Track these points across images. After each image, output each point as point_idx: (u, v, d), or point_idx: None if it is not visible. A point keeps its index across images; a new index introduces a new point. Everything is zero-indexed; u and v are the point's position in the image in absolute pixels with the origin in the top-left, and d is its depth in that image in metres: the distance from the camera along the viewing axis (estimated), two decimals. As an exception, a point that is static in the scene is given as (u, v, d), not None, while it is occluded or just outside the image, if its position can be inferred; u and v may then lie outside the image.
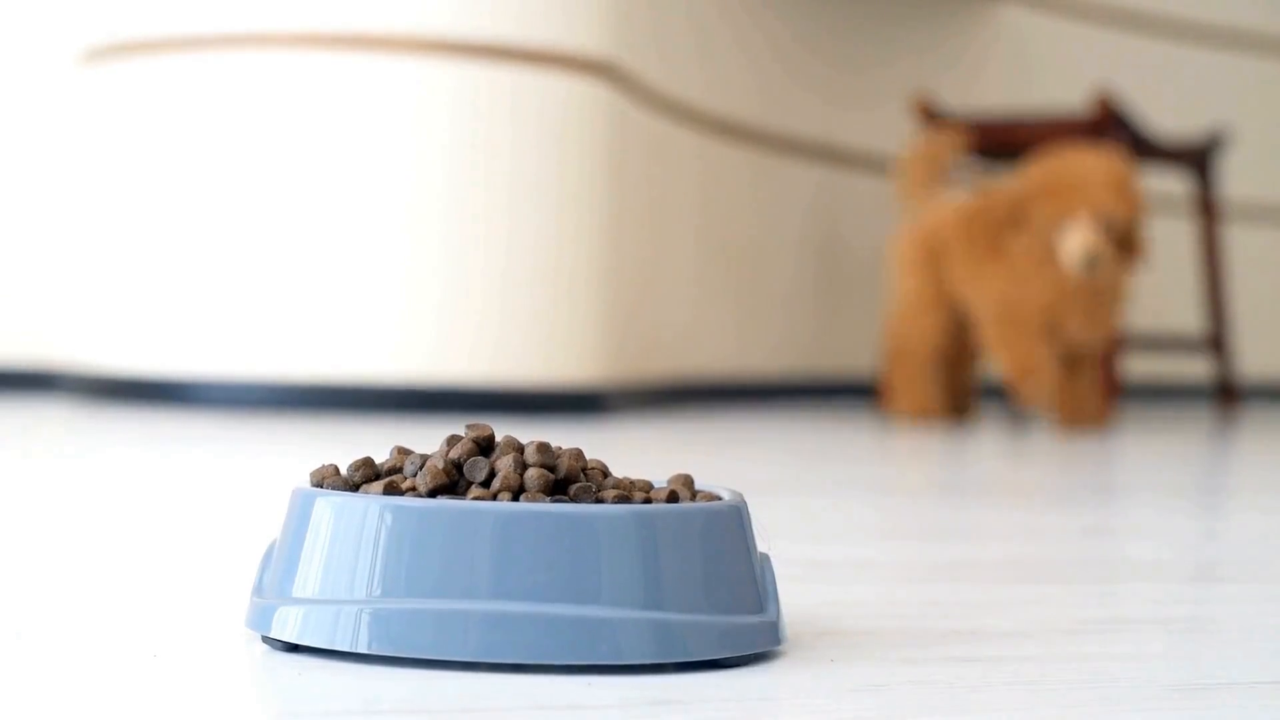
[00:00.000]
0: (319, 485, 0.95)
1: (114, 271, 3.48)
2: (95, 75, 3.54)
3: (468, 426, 0.96)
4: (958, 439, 3.31)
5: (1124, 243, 3.45)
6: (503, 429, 1.15)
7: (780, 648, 0.94)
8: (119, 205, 3.47)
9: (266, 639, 0.92)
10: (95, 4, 3.55)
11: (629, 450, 2.69)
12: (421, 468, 0.93)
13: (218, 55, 3.37)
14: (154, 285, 3.40)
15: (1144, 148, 4.13)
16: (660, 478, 1.01)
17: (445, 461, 0.93)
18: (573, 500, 0.92)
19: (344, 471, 0.96)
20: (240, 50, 3.35)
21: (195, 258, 3.37)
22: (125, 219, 3.46)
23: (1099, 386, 3.62)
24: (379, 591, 0.88)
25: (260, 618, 0.92)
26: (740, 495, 0.99)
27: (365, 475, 0.95)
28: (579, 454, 0.95)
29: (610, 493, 0.92)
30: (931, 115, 4.18)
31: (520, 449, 0.94)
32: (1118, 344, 3.94)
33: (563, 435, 2.62)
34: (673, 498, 0.95)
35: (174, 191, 3.39)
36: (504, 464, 0.92)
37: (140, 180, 3.44)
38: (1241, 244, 5.25)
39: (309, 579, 0.91)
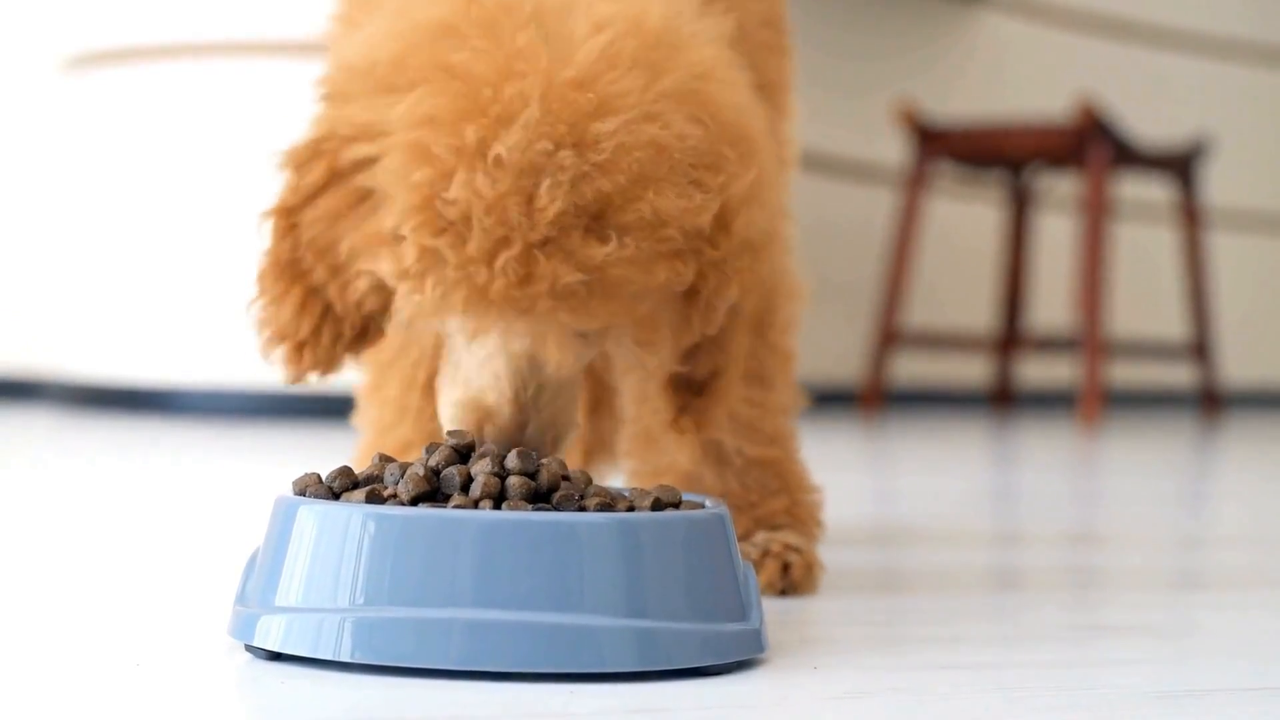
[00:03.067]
0: (301, 493, 0.95)
1: (97, 280, 3.47)
2: (77, 84, 3.53)
3: (449, 433, 0.96)
4: (943, 446, 3.31)
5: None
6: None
7: (763, 655, 0.94)
8: (101, 214, 3.46)
9: (249, 648, 0.92)
10: (78, 13, 3.55)
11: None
12: (403, 475, 0.93)
13: (201, 63, 3.36)
14: (137, 294, 3.40)
15: (1127, 155, 4.14)
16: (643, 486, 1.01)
17: (425, 469, 0.93)
18: (556, 508, 0.91)
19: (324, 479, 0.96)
20: (224, 58, 3.35)
21: (178, 267, 3.36)
22: (107, 228, 3.45)
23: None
24: (362, 600, 0.88)
25: (243, 627, 0.92)
26: (723, 504, 0.99)
27: (344, 484, 0.95)
28: (561, 462, 0.95)
29: (593, 500, 0.92)
30: (915, 123, 4.18)
31: (500, 456, 0.93)
32: None
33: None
34: (656, 505, 0.95)
35: (157, 200, 3.38)
36: (480, 468, 0.92)
37: (123, 189, 3.43)
38: (1224, 251, 5.26)
39: (292, 588, 0.90)
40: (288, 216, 1.03)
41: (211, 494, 2.00)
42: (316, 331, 1.04)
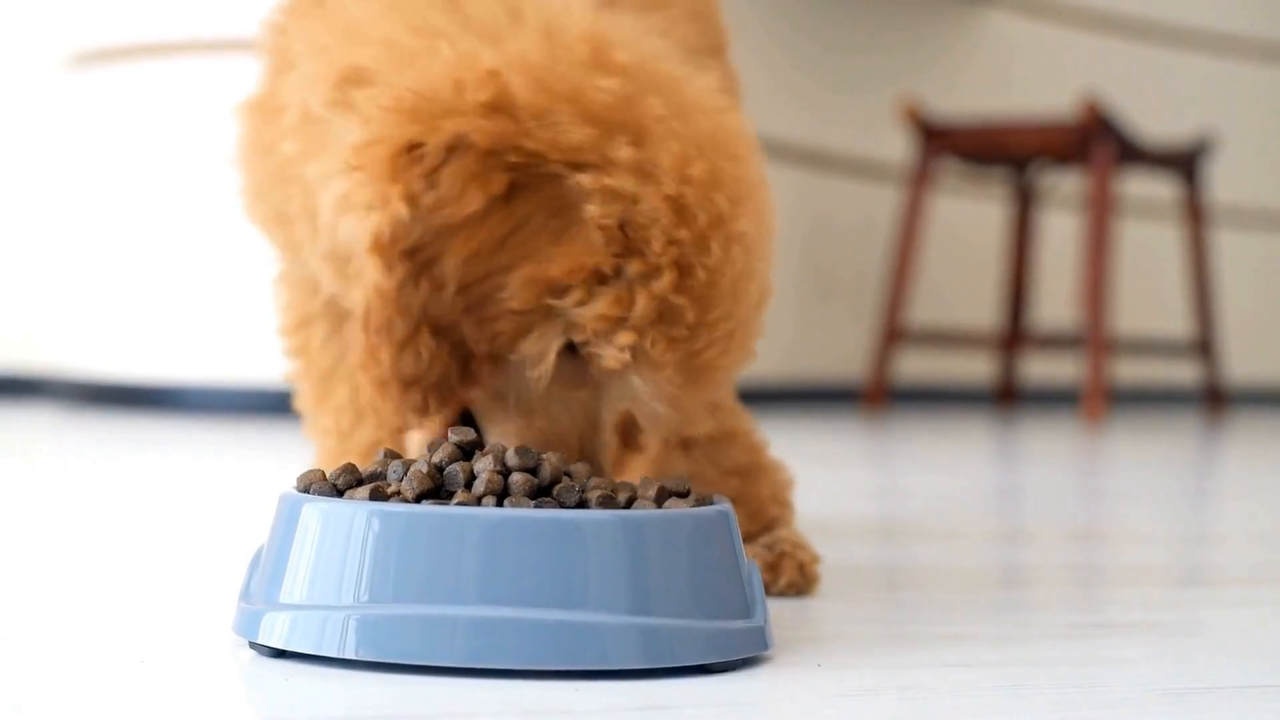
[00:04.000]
0: (305, 490, 0.95)
1: (101, 277, 3.47)
2: (80, 81, 3.53)
3: (451, 430, 0.96)
4: (948, 444, 3.31)
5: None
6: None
7: (768, 653, 0.94)
8: (105, 211, 3.46)
9: (254, 644, 0.91)
10: (82, 9, 3.55)
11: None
12: (407, 472, 0.93)
13: (206, 60, 3.36)
14: (140, 291, 3.40)
15: (1131, 153, 4.14)
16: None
17: (429, 466, 0.93)
18: (556, 499, 0.91)
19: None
20: (231, 55, 3.35)
21: (181, 263, 3.36)
22: (111, 224, 3.45)
23: None
24: (366, 597, 0.88)
25: (248, 623, 0.92)
26: (727, 500, 0.99)
27: (348, 481, 0.95)
28: (562, 456, 0.95)
29: (594, 493, 0.92)
30: (919, 120, 4.18)
31: (502, 453, 0.93)
32: None
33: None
34: (662, 494, 0.95)
35: (161, 197, 3.38)
36: (483, 465, 0.92)
37: (127, 186, 3.43)
38: (1229, 248, 5.26)
39: (296, 584, 0.90)
40: (415, 256, 0.94)
41: (216, 491, 2.00)
42: (446, 373, 0.97)
